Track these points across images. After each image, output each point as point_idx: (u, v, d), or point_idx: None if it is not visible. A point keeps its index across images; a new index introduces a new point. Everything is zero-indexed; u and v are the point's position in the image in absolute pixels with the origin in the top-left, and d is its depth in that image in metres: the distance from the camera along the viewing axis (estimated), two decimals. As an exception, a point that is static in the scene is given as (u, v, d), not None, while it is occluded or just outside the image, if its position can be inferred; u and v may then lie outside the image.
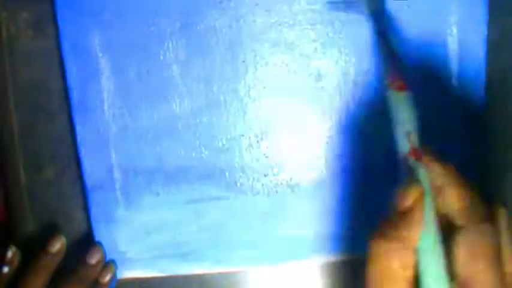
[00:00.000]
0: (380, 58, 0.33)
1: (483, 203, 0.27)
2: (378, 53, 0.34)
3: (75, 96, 0.35)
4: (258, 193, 0.36)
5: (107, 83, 0.34)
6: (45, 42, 0.35)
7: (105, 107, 0.35)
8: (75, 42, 0.34)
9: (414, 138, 0.30)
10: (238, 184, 0.36)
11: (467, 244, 0.25)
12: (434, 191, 0.27)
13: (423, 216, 0.26)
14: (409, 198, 0.27)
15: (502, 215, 0.28)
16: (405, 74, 0.31)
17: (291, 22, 0.34)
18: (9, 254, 0.33)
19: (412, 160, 0.29)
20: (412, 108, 0.30)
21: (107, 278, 0.35)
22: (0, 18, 0.34)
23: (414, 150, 0.29)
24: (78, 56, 0.34)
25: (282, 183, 0.36)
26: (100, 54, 0.34)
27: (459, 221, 0.26)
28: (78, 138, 0.35)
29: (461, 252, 0.25)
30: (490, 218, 0.26)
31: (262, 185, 0.36)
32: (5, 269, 0.33)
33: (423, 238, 0.26)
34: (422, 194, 0.27)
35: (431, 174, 0.28)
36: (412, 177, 0.28)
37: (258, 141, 0.35)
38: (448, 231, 0.26)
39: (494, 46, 0.35)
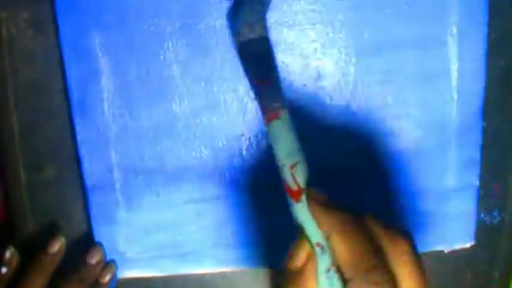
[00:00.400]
0: (252, 88, 0.32)
1: (380, 244, 0.24)
2: (250, 83, 0.33)
3: (75, 96, 0.35)
4: (258, 193, 0.36)
5: (106, 83, 0.34)
6: (45, 42, 0.35)
7: (105, 107, 0.35)
8: (75, 42, 0.34)
9: (298, 171, 0.27)
10: (238, 184, 0.36)
11: None
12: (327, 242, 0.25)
13: (315, 277, 0.25)
14: (298, 259, 0.25)
15: (403, 254, 0.24)
16: (282, 95, 0.29)
17: (291, 22, 0.34)
18: (8, 254, 0.33)
19: (288, 198, 0.27)
20: (292, 135, 0.28)
21: (107, 278, 0.35)
22: (0, 18, 0.34)
23: (289, 188, 0.26)
24: (78, 56, 0.34)
25: (282, 183, 0.36)
26: (100, 54, 0.34)
27: (347, 273, 0.24)
28: (78, 138, 0.35)
29: None
30: (382, 264, 0.23)
31: (262, 185, 0.36)
32: (4, 270, 0.33)
33: None
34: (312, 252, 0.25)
35: (317, 222, 0.26)
36: (302, 233, 0.26)
37: (258, 141, 0.35)
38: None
39: (494, 46, 0.35)
